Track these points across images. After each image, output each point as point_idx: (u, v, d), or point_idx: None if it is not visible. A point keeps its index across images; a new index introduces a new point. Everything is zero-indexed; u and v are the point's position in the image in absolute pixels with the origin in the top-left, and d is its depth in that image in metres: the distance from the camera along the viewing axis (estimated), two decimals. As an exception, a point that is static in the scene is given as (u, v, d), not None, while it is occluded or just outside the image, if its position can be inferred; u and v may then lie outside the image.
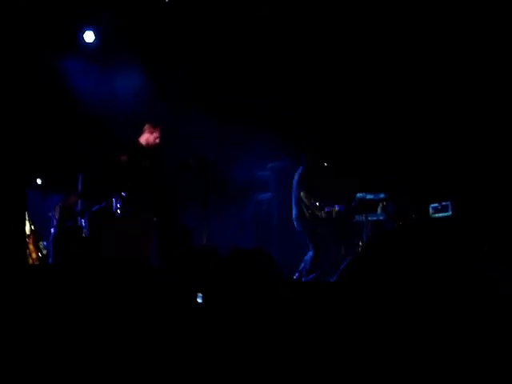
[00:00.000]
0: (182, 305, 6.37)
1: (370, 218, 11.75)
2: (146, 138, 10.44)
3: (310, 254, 10.85)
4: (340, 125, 12.89)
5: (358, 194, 12.00)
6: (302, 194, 10.79)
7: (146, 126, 10.47)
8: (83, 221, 10.94)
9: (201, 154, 10.95)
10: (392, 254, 7.28)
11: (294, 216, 11.01)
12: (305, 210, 10.82)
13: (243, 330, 5.68)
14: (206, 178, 10.84)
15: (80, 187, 11.30)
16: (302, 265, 10.89)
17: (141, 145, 10.45)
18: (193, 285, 6.58)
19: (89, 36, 12.45)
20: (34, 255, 10.16)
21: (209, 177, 10.85)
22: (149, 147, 10.44)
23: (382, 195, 11.86)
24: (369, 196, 11.94)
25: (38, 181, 12.15)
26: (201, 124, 12.42)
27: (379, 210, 11.83)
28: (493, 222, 10.26)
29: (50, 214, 11.83)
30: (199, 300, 6.31)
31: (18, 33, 10.92)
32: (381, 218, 11.78)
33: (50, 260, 10.76)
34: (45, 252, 10.65)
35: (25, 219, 10.00)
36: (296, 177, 11.07)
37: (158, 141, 10.46)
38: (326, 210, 10.99)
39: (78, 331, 5.87)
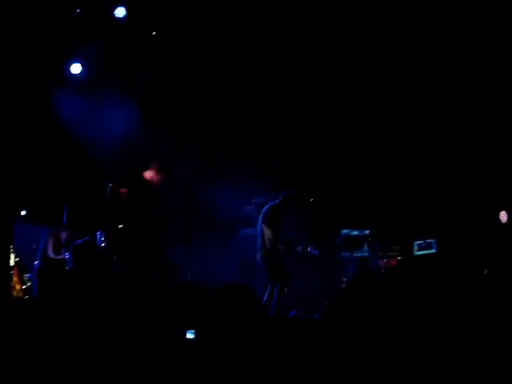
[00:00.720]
0: (171, 340, 6.36)
1: (355, 255, 11.76)
2: (151, 175, 10.40)
3: (273, 286, 10.72)
4: (325, 160, 12.89)
5: (343, 231, 12.02)
6: (263, 226, 10.69)
7: (155, 165, 10.43)
8: (67, 254, 10.92)
9: (187, 191, 10.92)
10: (375, 292, 7.31)
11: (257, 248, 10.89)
12: (266, 242, 10.69)
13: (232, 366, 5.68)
14: (190, 214, 10.80)
15: (65, 219, 11.29)
16: (266, 296, 10.69)
17: (144, 179, 10.39)
18: (179, 320, 6.57)
19: (75, 68, 12.46)
20: (17, 287, 10.10)
21: (194, 213, 10.81)
22: (151, 183, 10.40)
23: (366, 232, 11.87)
24: (354, 232, 11.95)
25: (22, 212, 12.11)
26: (187, 160, 12.46)
27: (365, 247, 11.83)
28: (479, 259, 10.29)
29: (34, 246, 11.79)
30: (190, 336, 6.29)
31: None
32: (365, 254, 11.78)
33: (34, 292, 10.72)
34: (28, 284, 10.59)
35: (9, 251, 9.96)
36: (265, 210, 10.98)
37: (160, 183, 10.42)
38: (299, 249, 10.92)
39: (59, 364, 5.85)
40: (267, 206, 10.88)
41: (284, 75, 12.60)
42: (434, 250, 11.17)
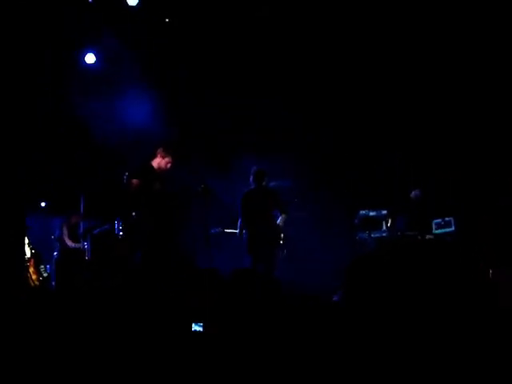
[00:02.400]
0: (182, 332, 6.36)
1: (373, 235, 11.73)
2: (158, 162, 10.40)
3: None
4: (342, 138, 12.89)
5: (361, 212, 11.98)
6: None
7: (159, 151, 10.43)
8: (85, 243, 10.95)
9: (204, 180, 10.90)
10: (394, 268, 7.26)
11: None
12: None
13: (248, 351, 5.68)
14: (207, 203, 10.79)
15: (82, 209, 11.33)
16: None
17: (152, 168, 10.39)
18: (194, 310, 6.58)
19: (90, 58, 12.47)
20: (34, 277, 10.16)
21: (210, 202, 10.80)
22: (160, 171, 10.40)
23: (384, 212, 11.82)
24: (371, 213, 11.91)
25: (42, 204, 12.17)
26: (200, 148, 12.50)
27: (384, 227, 11.79)
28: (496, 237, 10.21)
29: (53, 237, 11.86)
30: (198, 328, 6.29)
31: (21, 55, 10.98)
32: (384, 234, 11.74)
33: (53, 283, 10.79)
34: (45, 275, 10.64)
35: (24, 242, 10.00)
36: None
37: (169, 166, 10.42)
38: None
39: (76, 356, 5.87)
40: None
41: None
42: (452, 228, 11.08)
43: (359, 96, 12.77)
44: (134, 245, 10.16)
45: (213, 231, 11.68)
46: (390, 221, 11.89)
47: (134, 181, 10.12)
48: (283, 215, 11.09)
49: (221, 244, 11.72)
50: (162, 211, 10.24)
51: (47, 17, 11.49)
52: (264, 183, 11.09)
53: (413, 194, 11.62)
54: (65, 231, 11.74)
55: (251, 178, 11.07)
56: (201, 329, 6.23)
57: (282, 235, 11.11)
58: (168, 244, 10.36)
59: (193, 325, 6.24)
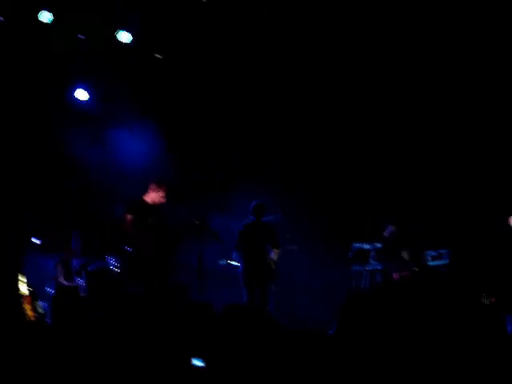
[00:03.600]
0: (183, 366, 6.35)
1: (367, 268, 11.77)
2: (152, 196, 10.40)
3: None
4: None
5: (355, 244, 12.03)
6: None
7: (151, 185, 10.43)
8: (81, 280, 10.93)
9: (199, 213, 10.93)
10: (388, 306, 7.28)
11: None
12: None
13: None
14: (201, 236, 10.81)
15: (74, 245, 11.32)
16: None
17: (145, 203, 10.39)
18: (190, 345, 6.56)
19: (81, 94, 12.50)
20: (30, 314, 10.12)
21: (204, 234, 10.82)
22: (154, 205, 10.40)
23: (378, 245, 11.87)
24: (365, 246, 11.97)
25: (37, 241, 12.15)
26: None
27: (371, 260, 11.85)
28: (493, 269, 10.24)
29: (48, 274, 11.82)
30: (198, 363, 6.27)
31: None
32: (378, 267, 11.78)
33: (48, 319, 10.74)
34: (41, 311, 10.60)
35: (19, 279, 10.00)
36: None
37: (163, 200, 10.42)
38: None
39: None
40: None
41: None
42: (446, 261, 11.15)
43: (350, 126, 12.88)
44: (130, 278, 10.14)
45: (221, 263, 11.78)
46: (378, 254, 11.94)
47: (128, 216, 10.13)
48: (275, 250, 11.13)
49: (227, 276, 11.74)
50: (156, 245, 10.24)
51: (39, 54, 11.56)
52: (263, 217, 11.16)
53: (387, 230, 11.75)
54: (60, 270, 11.67)
55: (251, 211, 11.13)
56: (201, 364, 6.21)
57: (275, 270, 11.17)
58: (164, 277, 10.36)
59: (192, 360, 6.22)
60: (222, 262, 11.85)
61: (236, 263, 11.31)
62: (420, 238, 11.78)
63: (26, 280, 10.26)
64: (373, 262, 11.86)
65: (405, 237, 11.70)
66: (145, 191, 10.50)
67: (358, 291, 9.48)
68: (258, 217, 11.12)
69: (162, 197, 10.39)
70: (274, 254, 11.10)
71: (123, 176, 12.35)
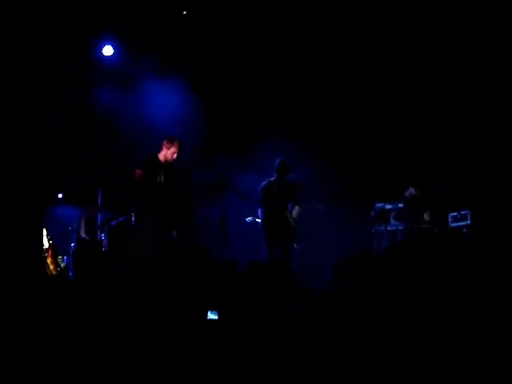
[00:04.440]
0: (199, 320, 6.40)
1: (389, 228, 11.76)
2: (164, 153, 10.33)
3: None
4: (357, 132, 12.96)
5: (377, 204, 12.01)
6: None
7: (164, 142, 10.36)
8: (103, 235, 11.00)
9: (220, 171, 10.91)
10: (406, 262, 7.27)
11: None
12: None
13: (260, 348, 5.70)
14: (223, 194, 10.81)
15: (100, 200, 11.37)
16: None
17: (157, 160, 10.33)
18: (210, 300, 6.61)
19: (107, 50, 12.52)
20: (52, 267, 10.21)
21: (226, 193, 10.82)
22: (166, 162, 10.33)
23: (400, 205, 11.85)
24: (388, 206, 11.94)
25: (59, 195, 12.23)
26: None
27: (392, 220, 11.85)
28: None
29: (70, 228, 11.91)
30: (213, 316, 6.32)
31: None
32: (400, 227, 11.77)
33: (71, 274, 10.85)
34: (63, 265, 10.70)
35: (42, 233, 10.06)
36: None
37: (175, 156, 10.33)
38: None
39: (94, 346, 5.92)
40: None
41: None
42: (468, 222, 11.08)
43: (374, 96, 12.86)
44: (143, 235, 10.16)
45: (247, 220, 11.94)
46: (399, 213, 11.93)
47: (138, 171, 10.08)
48: (297, 207, 11.17)
49: (250, 235, 11.79)
50: (163, 202, 10.20)
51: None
52: (286, 175, 11.18)
53: (408, 191, 11.73)
54: (82, 224, 11.78)
55: (275, 169, 11.15)
56: (216, 317, 6.27)
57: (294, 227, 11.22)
58: (171, 233, 10.35)
59: (208, 313, 6.28)
60: (249, 220, 11.90)
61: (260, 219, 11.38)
62: (442, 198, 11.73)
63: (47, 233, 10.34)
64: (393, 222, 11.85)
65: (427, 197, 11.66)
66: (159, 149, 10.47)
67: (351, 254, 9.51)
68: (281, 174, 11.14)
69: (173, 153, 10.28)
70: (294, 211, 11.15)
71: (150, 131, 12.36)
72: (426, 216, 11.62)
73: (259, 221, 11.40)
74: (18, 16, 10.93)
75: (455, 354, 5.30)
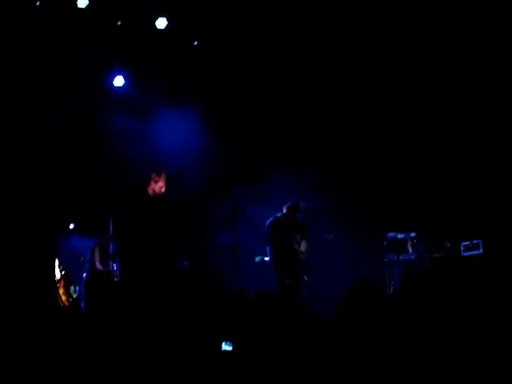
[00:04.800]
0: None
1: (401, 258, 11.73)
2: (152, 187, 10.25)
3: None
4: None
5: (390, 234, 12.00)
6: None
7: (152, 176, 10.27)
8: (115, 265, 10.97)
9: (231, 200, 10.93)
10: (421, 293, 7.25)
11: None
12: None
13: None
14: (233, 223, 10.80)
15: (111, 230, 11.35)
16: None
17: (148, 195, 10.26)
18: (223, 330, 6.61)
19: (118, 81, 12.61)
20: (64, 298, 10.21)
21: (236, 221, 10.81)
22: (156, 196, 10.24)
23: (412, 234, 11.84)
24: (400, 235, 11.93)
25: (70, 226, 12.25)
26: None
27: (410, 249, 11.82)
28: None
29: (82, 258, 11.91)
30: (227, 347, 6.31)
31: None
32: (412, 257, 11.75)
33: (82, 304, 10.83)
34: (75, 296, 10.70)
35: (54, 264, 10.08)
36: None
37: (163, 190, 10.23)
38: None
39: (105, 376, 5.92)
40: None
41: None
42: (480, 251, 11.05)
43: (388, 122, 12.88)
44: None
45: (256, 260, 11.77)
46: (416, 243, 11.92)
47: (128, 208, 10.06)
48: (304, 242, 11.28)
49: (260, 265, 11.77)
50: (154, 236, 10.11)
51: (76, 39, 11.63)
52: (295, 215, 11.22)
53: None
54: (96, 255, 11.75)
55: (286, 206, 11.18)
56: (230, 348, 6.25)
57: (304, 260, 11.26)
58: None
59: (223, 344, 6.27)
60: (257, 260, 11.86)
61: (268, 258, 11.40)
62: (457, 227, 11.73)
63: (58, 264, 10.36)
64: (411, 251, 11.87)
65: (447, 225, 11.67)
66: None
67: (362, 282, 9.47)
68: (292, 211, 11.18)
69: (161, 187, 10.17)
70: (302, 246, 11.21)
71: (159, 161, 12.38)
72: (446, 243, 11.60)
73: (267, 259, 11.42)
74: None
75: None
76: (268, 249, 11.30)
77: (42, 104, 11.38)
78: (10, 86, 10.91)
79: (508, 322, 6.36)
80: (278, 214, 11.25)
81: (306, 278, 11.18)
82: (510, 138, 11.73)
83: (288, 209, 11.20)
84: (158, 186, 10.05)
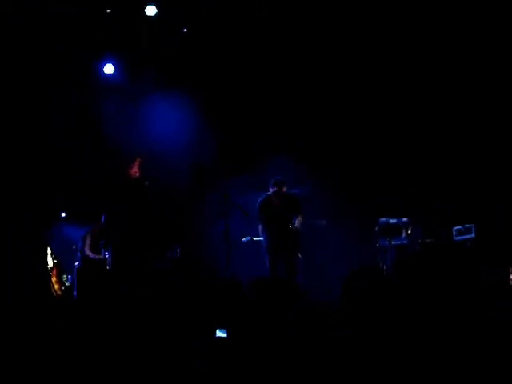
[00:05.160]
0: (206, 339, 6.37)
1: (393, 243, 11.74)
2: (129, 173, 10.43)
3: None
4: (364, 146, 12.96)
5: (382, 219, 12.00)
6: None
7: (129, 163, 10.47)
8: (106, 253, 10.97)
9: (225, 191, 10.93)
10: (414, 277, 7.25)
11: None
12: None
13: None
14: (225, 210, 10.82)
15: (103, 219, 11.34)
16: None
17: (126, 181, 10.41)
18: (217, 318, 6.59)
19: (108, 68, 12.56)
20: (56, 287, 10.19)
21: (228, 208, 10.83)
22: (133, 181, 10.39)
23: (404, 219, 11.85)
24: (392, 220, 11.93)
25: (62, 214, 12.23)
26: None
27: (403, 235, 11.83)
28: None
29: (74, 247, 11.89)
30: (222, 334, 6.29)
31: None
32: (404, 242, 11.76)
33: (75, 292, 10.83)
34: (68, 284, 10.69)
35: (46, 252, 10.06)
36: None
37: (137, 174, 10.41)
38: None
39: (97, 365, 5.90)
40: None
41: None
42: (473, 235, 11.08)
43: (378, 110, 12.87)
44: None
45: (243, 240, 11.85)
46: (409, 228, 11.92)
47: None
48: (299, 218, 11.17)
49: (252, 252, 11.75)
50: (138, 222, 10.20)
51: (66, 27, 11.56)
52: (283, 189, 11.17)
53: None
54: (88, 242, 11.73)
55: (270, 185, 11.14)
56: (225, 335, 6.24)
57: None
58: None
59: (217, 331, 6.26)
60: (245, 240, 11.87)
61: (259, 238, 11.36)
62: (446, 212, 11.73)
63: (51, 252, 10.33)
64: (404, 236, 11.89)
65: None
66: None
67: (363, 267, 9.45)
68: (278, 189, 11.14)
69: (135, 172, 10.40)
70: (297, 222, 11.14)
71: (153, 151, 12.36)
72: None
73: (256, 239, 11.41)
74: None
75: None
76: (260, 227, 11.28)
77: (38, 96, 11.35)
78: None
79: (498, 308, 6.38)
80: (269, 192, 11.21)
81: (299, 255, 11.14)
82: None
83: (274, 185, 11.16)
84: (133, 171, 10.26)
